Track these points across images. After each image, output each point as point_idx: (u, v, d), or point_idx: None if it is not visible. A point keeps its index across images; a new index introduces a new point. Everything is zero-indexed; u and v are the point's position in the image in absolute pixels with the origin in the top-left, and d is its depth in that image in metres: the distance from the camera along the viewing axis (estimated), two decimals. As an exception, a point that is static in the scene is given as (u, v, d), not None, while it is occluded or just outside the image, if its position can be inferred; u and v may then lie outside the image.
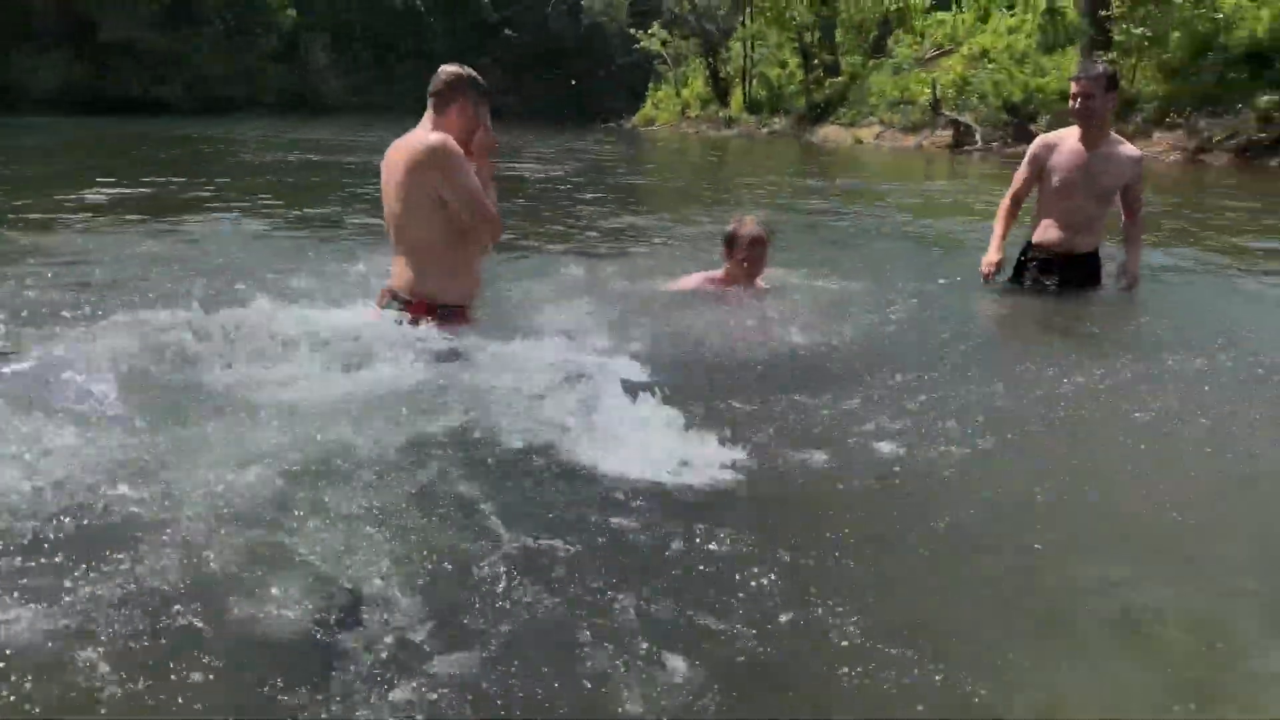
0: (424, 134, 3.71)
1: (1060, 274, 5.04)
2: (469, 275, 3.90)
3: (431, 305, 3.76)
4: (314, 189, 11.43)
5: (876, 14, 35.61)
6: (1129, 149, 4.95)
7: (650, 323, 4.44)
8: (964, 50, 29.31)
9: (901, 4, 37.68)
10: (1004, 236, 5.27)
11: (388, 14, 65.58)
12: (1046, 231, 5.13)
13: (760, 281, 5.03)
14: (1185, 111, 19.83)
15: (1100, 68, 4.91)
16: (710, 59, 42.15)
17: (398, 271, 3.83)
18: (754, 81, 38.87)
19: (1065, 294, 5.04)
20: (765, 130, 35.42)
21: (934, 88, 26.12)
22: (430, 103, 3.81)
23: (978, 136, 23.66)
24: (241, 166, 15.48)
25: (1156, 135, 20.16)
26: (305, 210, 8.98)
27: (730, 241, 4.94)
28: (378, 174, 3.94)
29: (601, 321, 4.33)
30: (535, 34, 71.52)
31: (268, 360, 3.35)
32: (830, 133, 31.09)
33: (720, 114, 39.90)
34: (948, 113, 25.59)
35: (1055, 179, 5.03)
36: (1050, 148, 5.11)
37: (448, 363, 3.45)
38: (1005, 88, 24.48)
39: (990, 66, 26.27)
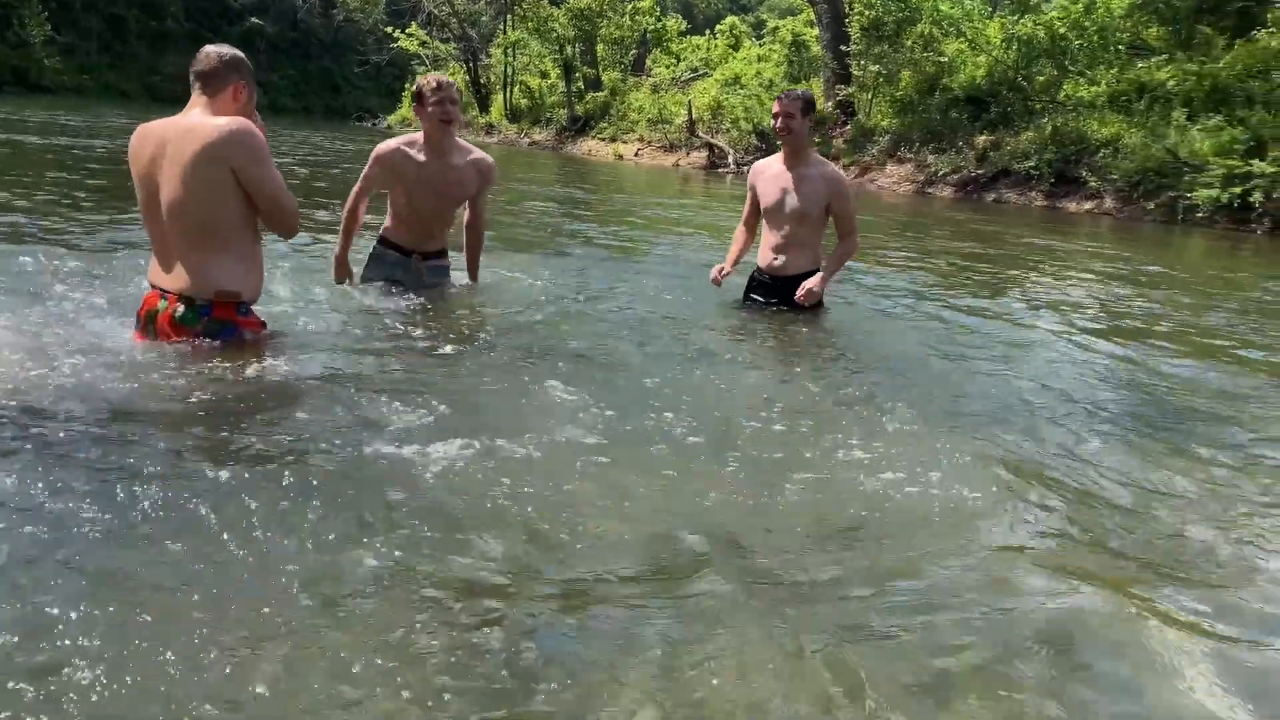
0: (216, 118, 3.39)
1: (779, 295, 5.22)
2: (260, 269, 3.64)
3: (232, 303, 3.51)
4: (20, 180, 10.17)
5: (635, 33, 36.47)
6: (829, 169, 5.12)
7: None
8: (717, 75, 30.51)
9: (659, 25, 38.89)
10: (737, 256, 5.48)
11: (116, -11, 60.38)
12: (762, 254, 5.36)
13: (457, 134, 4.91)
14: (915, 146, 21.52)
15: (799, 91, 5.15)
16: (471, 64, 41.64)
17: (180, 270, 3.47)
18: (515, 90, 38.76)
19: (775, 313, 5.24)
20: (526, 140, 35.35)
21: (689, 109, 27.01)
22: (198, 85, 3.49)
23: (730, 159, 24.65)
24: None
25: (890, 168, 21.77)
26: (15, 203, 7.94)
27: (418, 98, 4.75)
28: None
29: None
30: (282, 23, 68.19)
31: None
32: (592, 146, 31.47)
33: (480, 120, 39.49)
34: (702, 134, 26.52)
35: (763, 203, 5.26)
36: (759, 173, 5.34)
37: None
38: (756, 113, 25.67)
39: (742, 92, 27.48)
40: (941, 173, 20.30)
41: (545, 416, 3.30)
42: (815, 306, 5.16)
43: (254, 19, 69.62)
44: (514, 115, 38.04)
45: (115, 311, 4.12)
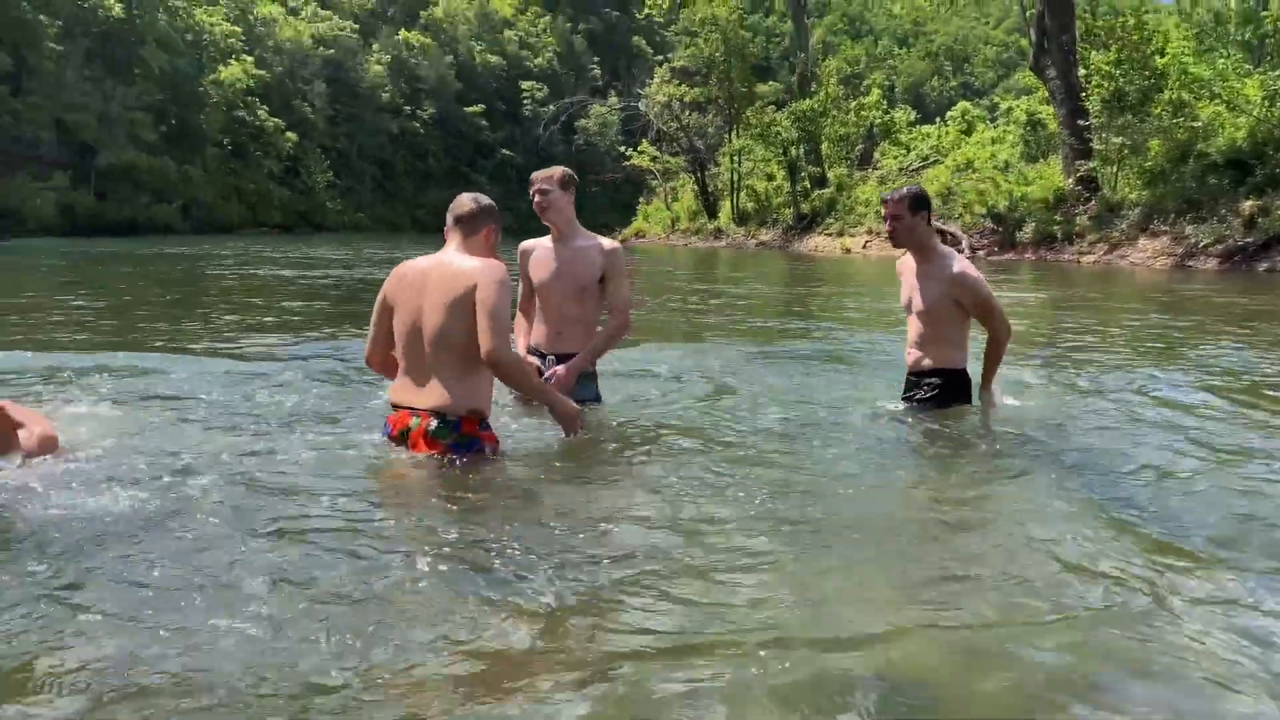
0: (474, 259, 3.84)
1: (909, 391, 5.00)
2: (492, 389, 4.00)
3: (477, 419, 3.85)
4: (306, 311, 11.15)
5: (860, 128, 36.29)
6: (951, 266, 4.71)
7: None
8: (948, 162, 29.66)
9: (886, 118, 38.55)
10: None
11: (384, 136, 67.20)
12: (908, 351, 5.08)
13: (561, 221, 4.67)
14: (1169, 218, 19.82)
15: (904, 189, 4.80)
16: (698, 174, 42.80)
17: (435, 389, 3.83)
18: (741, 194, 39.36)
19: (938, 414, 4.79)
20: (754, 241, 35.66)
21: (919, 198, 26.29)
22: (458, 227, 3.93)
23: (964, 244, 23.67)
24: (233, 286, 15.31)
25: (1142, 242, 20.13)
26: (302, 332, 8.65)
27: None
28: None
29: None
30: (529, 153, 73.21)
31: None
32: (819, 242, 31.26)
33: (709, 226, 40.29)
34: (933, 222, 25.69)
35: (902, 301, 5.04)
36: (901, 270, 5.08)
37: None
38: (990, 196, 24.62)
39: (974, 176, 26.52)
40: (1203, 244, 18.54)
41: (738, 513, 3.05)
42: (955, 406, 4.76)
43: (504, 151, 75.43)
44: (741, 218, 38.56)
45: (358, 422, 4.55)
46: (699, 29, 40.68)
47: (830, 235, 31.19)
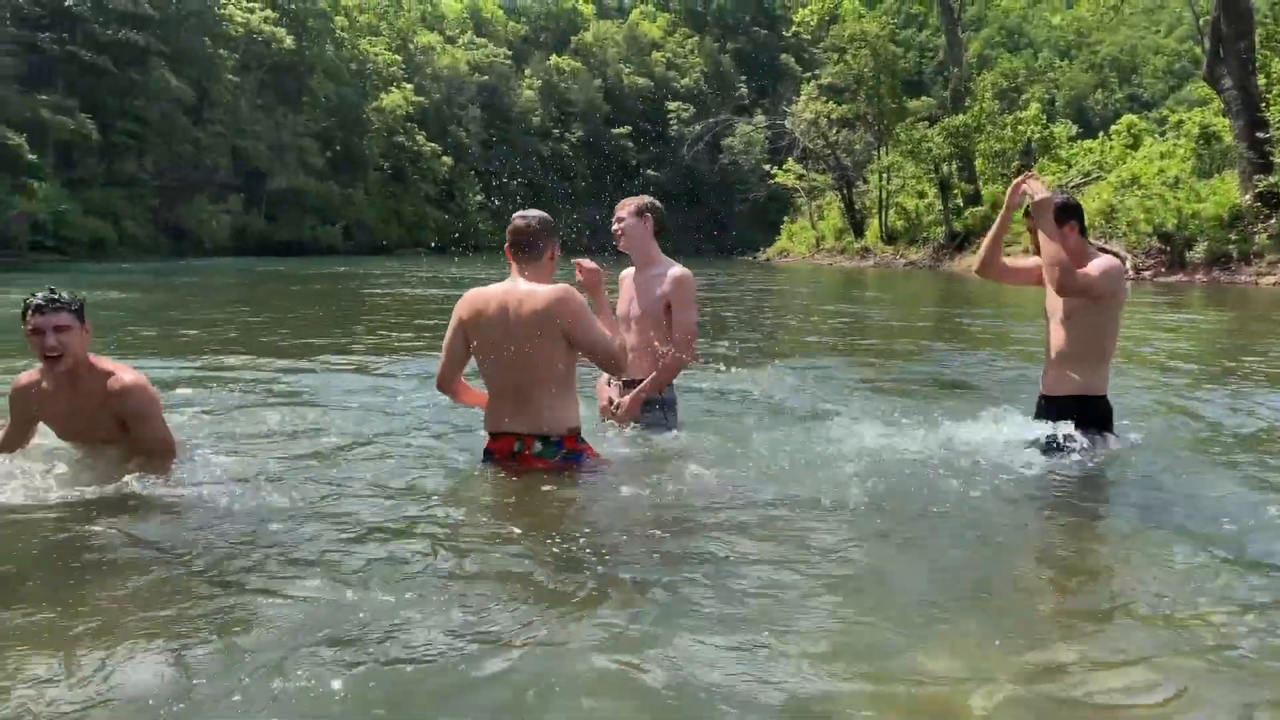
0: (543, 287, 3.87)
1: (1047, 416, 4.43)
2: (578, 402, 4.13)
3: (574, 435, 3.98)
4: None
5: (1017, 143, 34.94)
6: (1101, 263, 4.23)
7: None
8: (1112, 178, 28.17)
9: (1045, 133, 36.98)
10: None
11: (534, 158, 68.93)
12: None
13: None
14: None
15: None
16: (845, 191, 42.08)
17: (533, 413, 3.94)
18: (890, 212, 38.48)
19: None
20: (902, 260, 34.77)
21: (1079, 215, 25.05)
22: (521, 253, 3.93)
23: (1128, 265, 22.37)
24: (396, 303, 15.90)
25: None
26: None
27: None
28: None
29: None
30: (674, 172, 73.69)
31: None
32: (972, 261, 30.19)
33: (855, 245, 39.52)
34: (1095, 241, 24.41)
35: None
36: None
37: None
38: (1158, 214, 23.23)
39: (1140, 193, 25.07)
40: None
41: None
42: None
43: (649, 171, 76.15)
44: (889, 237, 37.69)
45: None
46: (848, 45, 40.09)
47: (983, 254, 30.07)
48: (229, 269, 28.67)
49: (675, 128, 75.82)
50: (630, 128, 75.46)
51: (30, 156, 35.38)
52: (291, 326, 11.52)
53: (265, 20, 48.53)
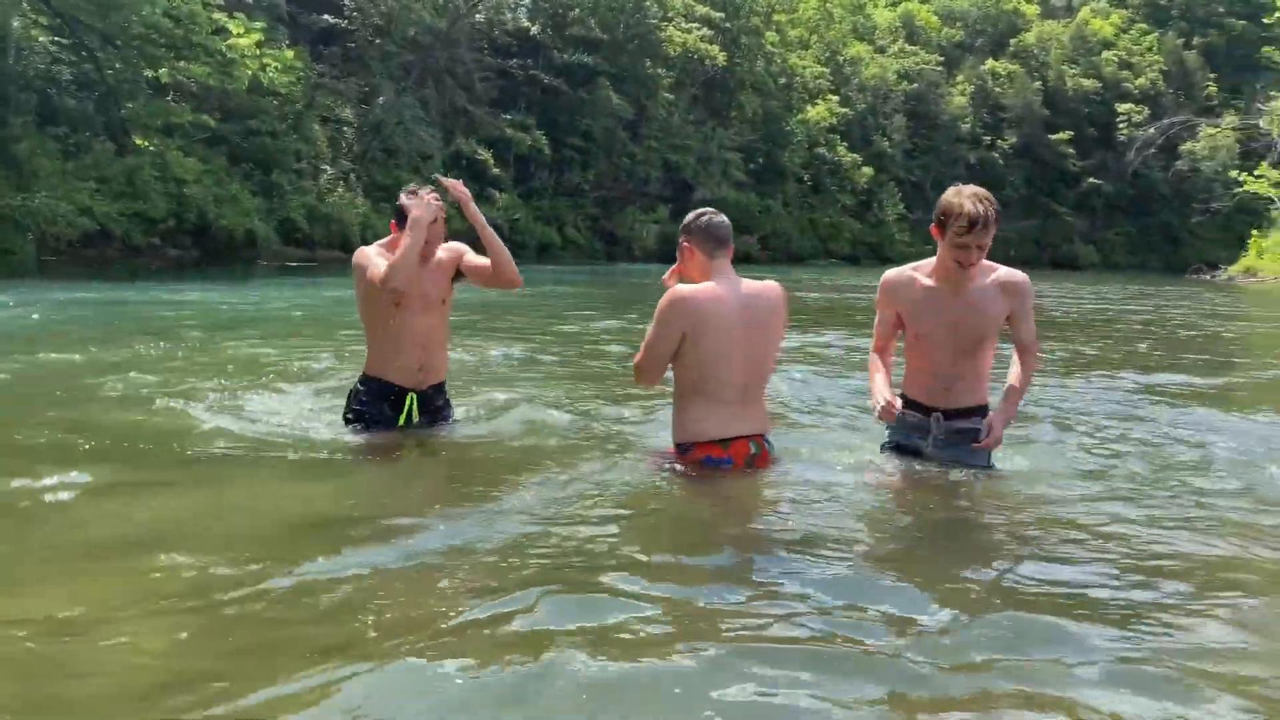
0: (772, 285, 3.92)
1: None
2: None
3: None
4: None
5: None
6: None
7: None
8: None
9: None
10: None
11: (960, 166, 66.02)
12: None
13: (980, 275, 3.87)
14: None
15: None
16: (1337, 201, 35.57)
17: (757, 414, 3.98)
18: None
19: None
20: None
21: None
22: (722, 251, 3.86)
23: None
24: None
25: None
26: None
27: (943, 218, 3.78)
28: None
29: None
30: (1120, 180, 67.01)
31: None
32: None
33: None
34: None
35: None
36: None
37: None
38: None
39: None
40: None
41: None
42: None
43: (1091, 179, 69.87)
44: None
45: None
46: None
47: None
48: (653, 273, 30.51)
49: (1125, 131, 68.90)
50: (1072, 132, 69.71)
51: (495, 170, 40.31)
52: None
53: (701, 39, 51.07)
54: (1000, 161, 67.91)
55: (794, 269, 39.99)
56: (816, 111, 58.37)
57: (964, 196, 3.67)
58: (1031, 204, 68.64)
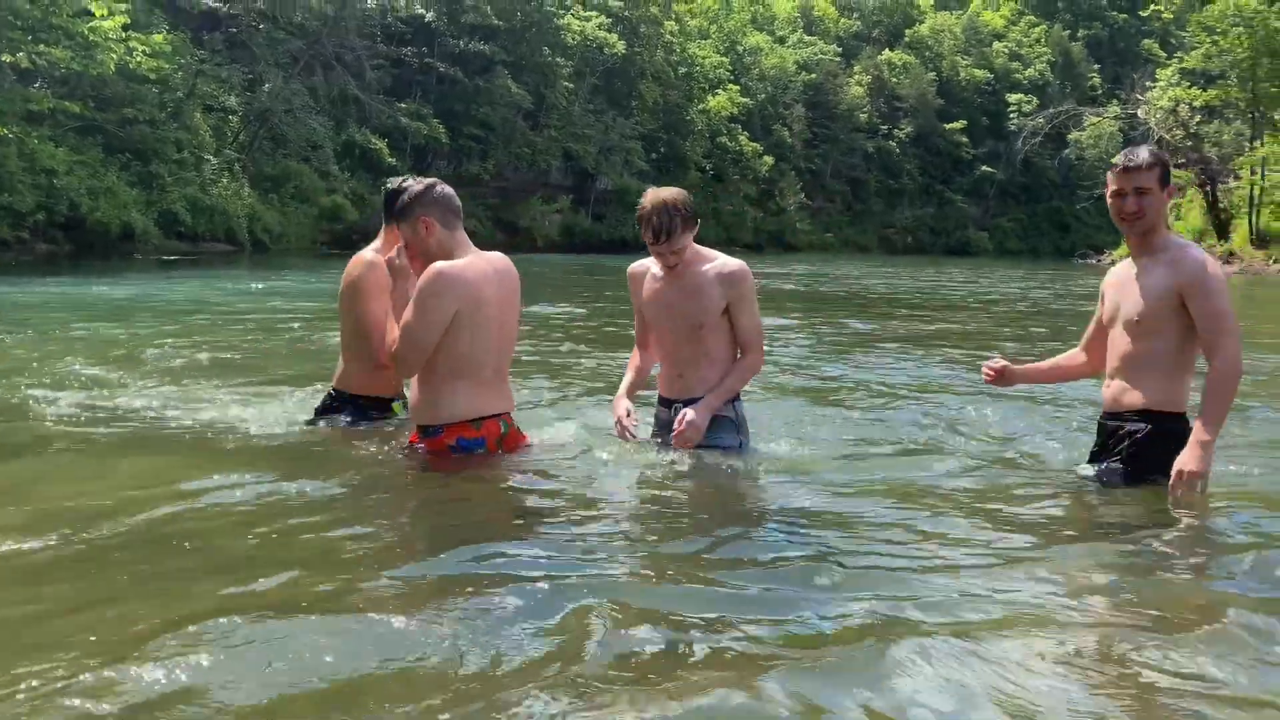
0: (501, 254, 3.92)
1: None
2: None
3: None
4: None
5: None
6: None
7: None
8: None
9: None
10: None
11: (858, 155, 67.11)
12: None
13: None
14: None
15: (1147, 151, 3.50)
16: (1209, 188, 37.13)
17: (507, 393, 3.94)
18: (1264, 212, 33.54)
19: None
20: (1276, 267, 30.19)
21: None
22: (461, 220, 3.73)
23: None
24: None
25: None
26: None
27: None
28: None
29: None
30: (1010, 168, 68.96)
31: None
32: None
33: (1219, 249, 34.75)
34: None
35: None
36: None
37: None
38: None
39: None
40: None
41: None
42: None
43: (984, 167, 71.78)
44: (1260, 240, 32.84)
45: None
46: (1217, 24, 35.24)
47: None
48: (556, 264, 30.14)
49: (1015, 120, 70.84)
50: (965, 121, 71.48)
51: (390, 160, 39.37)
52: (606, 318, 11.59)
53: (599, 27, 50.76)
54: (897, 150, 69.24)
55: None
56: (717, 101, 58.61)
57: (647, 209, 3.72)
58: (927, 192, 70.25)
